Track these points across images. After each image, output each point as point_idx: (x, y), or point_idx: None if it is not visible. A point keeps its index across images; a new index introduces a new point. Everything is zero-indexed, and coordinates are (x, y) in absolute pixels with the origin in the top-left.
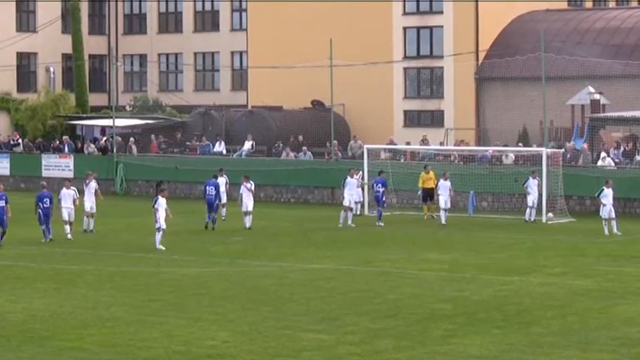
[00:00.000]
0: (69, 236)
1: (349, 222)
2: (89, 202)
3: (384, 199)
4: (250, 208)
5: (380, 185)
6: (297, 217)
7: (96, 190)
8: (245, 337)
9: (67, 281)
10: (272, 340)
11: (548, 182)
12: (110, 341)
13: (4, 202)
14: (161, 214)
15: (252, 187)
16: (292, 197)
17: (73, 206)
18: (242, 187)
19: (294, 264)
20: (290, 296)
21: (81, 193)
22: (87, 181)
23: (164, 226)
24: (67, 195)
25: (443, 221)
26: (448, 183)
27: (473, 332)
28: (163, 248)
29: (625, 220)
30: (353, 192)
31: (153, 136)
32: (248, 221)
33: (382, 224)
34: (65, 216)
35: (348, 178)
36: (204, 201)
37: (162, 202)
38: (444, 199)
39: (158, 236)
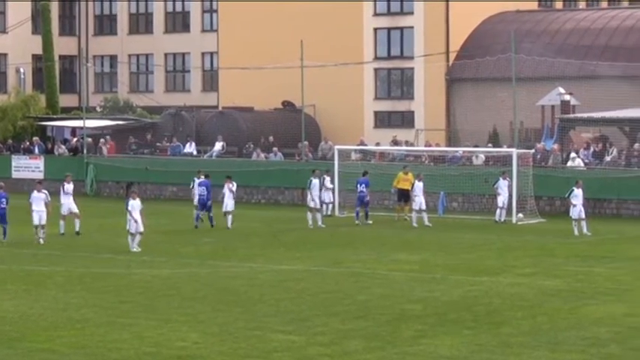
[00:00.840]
0: (40, 241)
1: (319, 223)
2: (67, 205)
3: (367, 198)
4: (230, 208)
5: (363, 186)
6: (267, 218)
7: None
8: (215, 338)
9: (37, 283)
10: (242, 341)
11: (518, 183)
12: (80, 343)
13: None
14: (137, 217)
15: (234, 188)
16: (263, 198)
17: (45, 209)
18: (225, 188)
19: (265, 265)
20: (260, 297)
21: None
22: (65, 183)
23: (141, 229)
24: (38, 198)
25: (426, 222)
26: (422, 184)
27: (443, 333)
28: (139, 249)
29: (594, 220)
30: (318, 193)
31: (102, 140)
32: (229, 221)
33: (370, 222)
34: (36, 220)
35: (314, 180)
36: (196, 201)
37: (134, 204)
38: (419, 200)
39: (136, 239)
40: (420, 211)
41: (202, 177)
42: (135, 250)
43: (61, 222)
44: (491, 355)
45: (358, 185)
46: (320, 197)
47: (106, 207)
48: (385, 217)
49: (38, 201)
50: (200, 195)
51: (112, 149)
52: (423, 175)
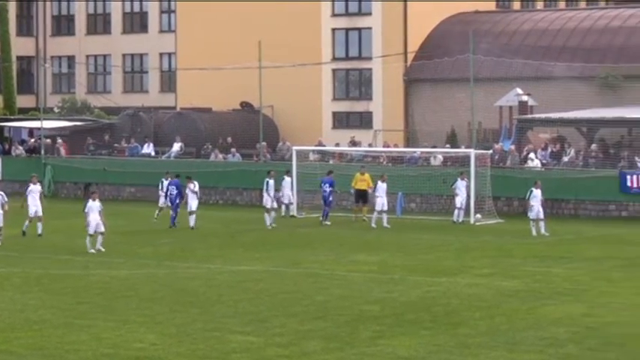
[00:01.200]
0: None
1: (270, 222)
2: (34, 207)
3: (330, 198)
4: (194, 208)
5: (327, 185)
6: (225, 218)
7: (41, 194)
8: (173, 339)
9: None
10: (200, 342)
11: (476, 183)
12: (38, 344)
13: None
14: (95, 218)
15: (197, 189)
16: (221, 199)
17: (1, 211)
18: (187, 189)
19: (223, 266)
20: (218, 298)
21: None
22: (31, 184)
23: (102, 229)
24: None
25: (385, 224)
26: (385, 185)
27: (401, 333)
28: (98, 250)
29: (552, 221)
30: (273, 193)
31: (60, 140)
32: (191, 221)
33: (328, 223)
34: None
35: (270, 181)
36: (162, 202)
37: (93, 205)
38: (381, 201)
39: (98, 239)
40: (380, 212)
41: (170, 178)
42: (93, 251)
43: (27, 222)
44: (449, 355)
45: (322, 185)
46: (278, 198)
47: (64, 208)
48: (343, 218)
49: None
50: (171, 194)
51: (65, 150)
52: (387, 175)
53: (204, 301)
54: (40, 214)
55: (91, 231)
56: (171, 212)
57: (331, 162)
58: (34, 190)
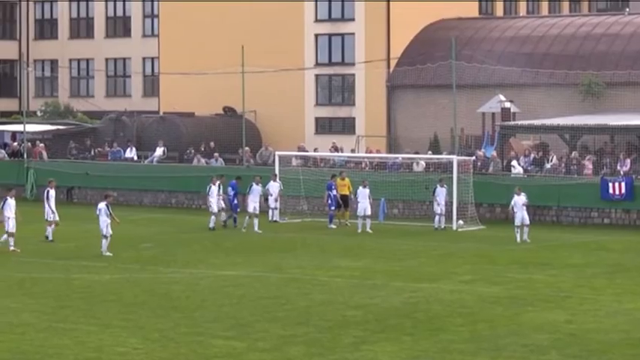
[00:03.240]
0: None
1: (255, 228)
2: (53, 212)
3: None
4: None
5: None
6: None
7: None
8: (156, 343)
9: None
10: (183, 347)
11: (459, 190)
12: (20, 348)
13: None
14: (104, 220)
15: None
16: (203, 204)
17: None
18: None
19: (205, 271)
20: (201, 303)
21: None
22: (48, 189)
23: (110, 232)
24: (11, 205)
25: (367, 229)
26: (367, 190)
27: (383, 339)
28: (110, 254)
29: (535, 227)
30: (257, 199)
31: (42, 145)
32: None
33: (334, 227)
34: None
35: (254, 185)
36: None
37: (103, 207)
38: (363, 206)
39: (105, 243)
40: (364, 217)
41: (218, 182)
42: (109, 254)
43: (48, 227)
44: None
45: (329, 189)
46: (259, 203)
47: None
48: (326, 224)
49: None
50: (228, 196)
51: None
52: (367, 181)
53: (187, 305)
54: (57, 218)
55: (104, 232)
56: (225, 214)
57: (313, 167)
58: (52, 195)
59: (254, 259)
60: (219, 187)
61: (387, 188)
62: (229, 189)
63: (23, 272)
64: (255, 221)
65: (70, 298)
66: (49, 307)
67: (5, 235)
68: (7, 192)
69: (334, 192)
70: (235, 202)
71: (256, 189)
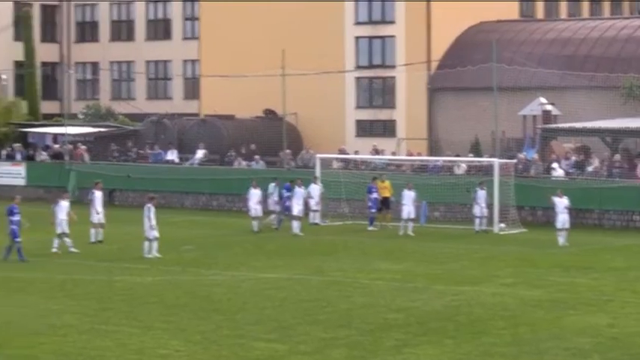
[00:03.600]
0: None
1: (297, 231)
2: (98, 214)
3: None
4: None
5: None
6: (249, 226)
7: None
8: (197, 345)
9: (19, 289)
10: (224, 349)
11: (500, 193)
12: (62, 350)
13: (18, 216)
14: (152, 223)
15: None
16: (244, 206)
17: (66, 218)
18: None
19: (246, 273)
20: (242, 305)
21: (84, 203)
22: (93, 190)
23: (157, 234)
24: (63, 207)
25: (409, 232)
26: (412, 193)
27: (425, 342)
28: (158, 255)
29: (576, 230)
30: (301, 201)
31: (83, 146)
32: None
33: (374, 229)
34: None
35: (296, 188)
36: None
37: (152, 210)
38: (407, 209)
39: (153, 245)
40: (407, 220)
41: (273, 184)
42: (150, 256)
43: (92, 230)
44: None
45: (369, 192)
46: (301, 205)
47: (88, 214)
48: (366, 226)
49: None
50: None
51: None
52: (412, 184)
53: (229, 308)
54: (103, 220)
55: (150, 236)
56: (276, 217)
57: (354, 170)
58: (98, 196)
59: (295, 261)
60: (277, 189)
61: (428, 191)
62: (284, 191)
63: (65, 274)
64: (298, 224)
65: (112, 300)
66: (91, 309)
67: (57, 240)
68: (60, 194)
69: (375, 194)
70: (288, 203)
71: (299, 191)
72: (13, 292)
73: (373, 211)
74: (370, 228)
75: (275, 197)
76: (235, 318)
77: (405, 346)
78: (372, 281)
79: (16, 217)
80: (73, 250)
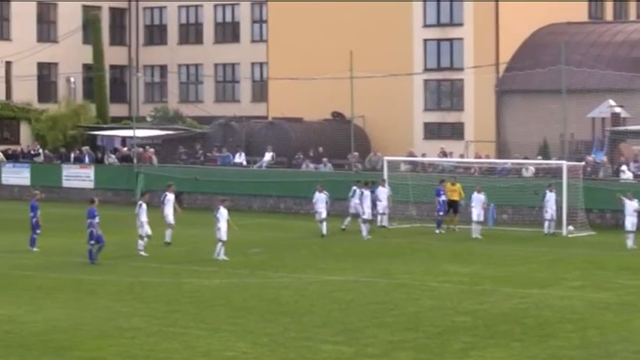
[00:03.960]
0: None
1: (365, 233)
2: (170, 215)
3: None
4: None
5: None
6: (316, 228)
7: (174, 204)
8: (264, 348)
9: (88, 291)
10: (292, 352)
11: (569, 195)
12: (130, 352)
13: (97, 218)
14: (222, 225)
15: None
16: (312, 209)
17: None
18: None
19: (314, 275)
20: (309, 308)
21: (153, 205)
22: (167, 192)
23: (225, 237)
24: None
25: (477, 234)
26: (482, 196)
27: (493, 345)
28: (226, 258)
29: None
30: (369, 204)
31: (152, 149)
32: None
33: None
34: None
35: (365, 191)
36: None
37: (223, 212)
38: (477, 212)
39: (222, 248)
40: (478, 222)
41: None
42: (221, 258)
43: (168, 231)
44: None
45: (437, 194)
46: (372, 208)
47: (156, 216)
48: (433, 228)
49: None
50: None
51: (147, 159)
52: (481, 186)
53: (296, 310)
54: (172, 222)
55: (223, 237)
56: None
57: (422, 173)
58: (171, 199)
59: (362, 264)
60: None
61: (496, 194)
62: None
63: (133, 277)
64: (367, 227)
65: (180, 302)
66: (159, 312)
67: (141, 242)
68: (141, 196)
69: (443, 197)
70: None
71: (367, 194)
72: (83, 295)
73: (441, 213)
74: (437, 231)
75: (356, 200)
76: (302, 320)
77: (472, 349)
78: (439, 284)
79: (96, 220)
80: (142, 253)
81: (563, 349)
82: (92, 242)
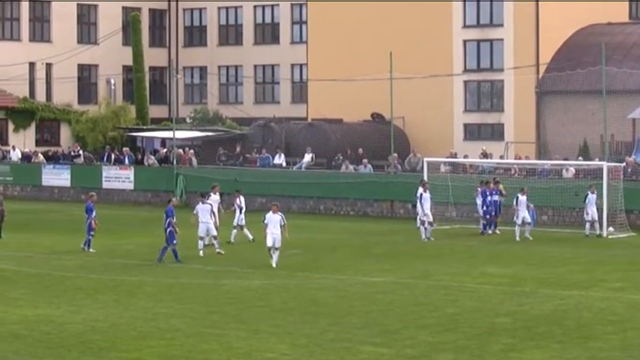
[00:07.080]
0: (200, 253)
1: (427, 234)
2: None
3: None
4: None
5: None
6: (356, 230)
7: (219, 205)
8: (304, 349)
9: (127, 292)
10: (331, 353)
11: (609, 196)
12: (169, 353)
13: (172, 217)
14: (271, 231)
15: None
16: (352, 210)
17: (211, 220)
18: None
19: (353, 277)
20: (349, 309)
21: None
22: (211, 194)
23: (278, 244)
24: (204, 209)
25: (528, 235)
26: (526, 198)
27: (532, 346)
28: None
29: None
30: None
31: (191, 151)
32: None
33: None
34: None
35: (424, 194)
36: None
37: (273, 217)
38: (522, 214)
39: (275, 255)
40: (523, 224)
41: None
42: (274, 264)
43: (234, 231)
44: None
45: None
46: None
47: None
48: (474, 230)
49: (205, 212)
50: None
51: (186, 161)
52: (527, 188)
53: (335, 311)
54: (218, 223)
55: (269, 244)
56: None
57: (462, 174)
58: (214, 200)
59: (402, 265)
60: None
61: (536, 195)
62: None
63: (173, 278)
64: (428, 228)
65: (219, 303)
66: (198, 313)
67: (201, 242)
68: (201, 197)
69: (495, 197)
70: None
71: (426, 197)
72: (122, 296)
73: (493, 214)
74: (490, 232)
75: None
76: (341, 322)
77: (512, 350)
78: (479, 285)
79: (174, 219)
80: (219, 250)
81: (602, 350)
82: (174, 242)
